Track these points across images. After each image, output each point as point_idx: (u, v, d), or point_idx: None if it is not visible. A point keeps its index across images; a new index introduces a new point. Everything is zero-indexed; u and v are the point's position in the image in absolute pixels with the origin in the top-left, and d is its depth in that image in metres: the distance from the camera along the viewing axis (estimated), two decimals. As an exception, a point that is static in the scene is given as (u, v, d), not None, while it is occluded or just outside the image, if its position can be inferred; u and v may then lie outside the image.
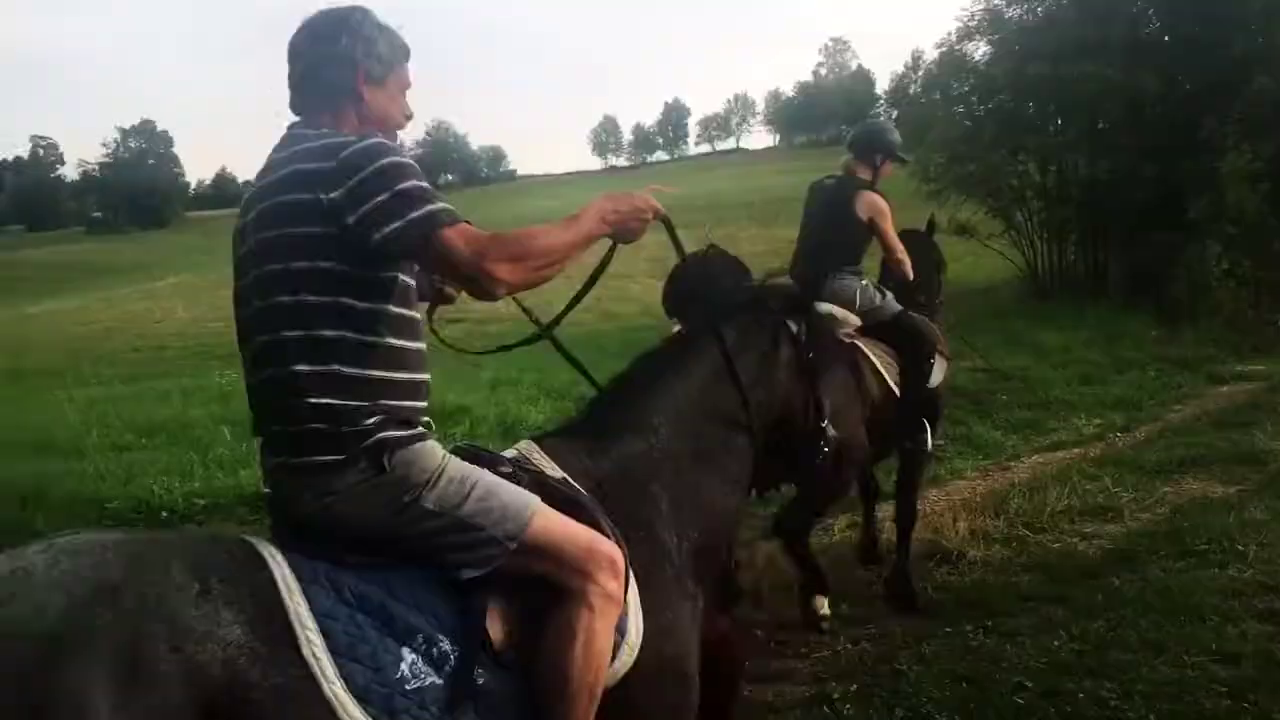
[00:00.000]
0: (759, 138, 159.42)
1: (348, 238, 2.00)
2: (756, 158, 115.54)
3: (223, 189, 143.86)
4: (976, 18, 16.32)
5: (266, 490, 2.18)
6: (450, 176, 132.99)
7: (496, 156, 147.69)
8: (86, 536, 1.86)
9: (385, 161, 2.01)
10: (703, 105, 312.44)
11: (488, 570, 2.09)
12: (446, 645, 2.02)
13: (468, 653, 2.03)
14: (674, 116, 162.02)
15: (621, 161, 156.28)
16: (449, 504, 2.08)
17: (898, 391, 5.07)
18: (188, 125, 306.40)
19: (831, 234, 5.31)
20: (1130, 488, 6.76)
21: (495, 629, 2.10)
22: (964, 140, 15.80)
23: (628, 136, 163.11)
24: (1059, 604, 4.88)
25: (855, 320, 4.60)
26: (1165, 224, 13.77)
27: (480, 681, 2.04)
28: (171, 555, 1.84)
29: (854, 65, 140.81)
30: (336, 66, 2.21)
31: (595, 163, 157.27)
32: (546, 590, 2.13)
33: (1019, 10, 16.15)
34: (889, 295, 5.33)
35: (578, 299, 2.65)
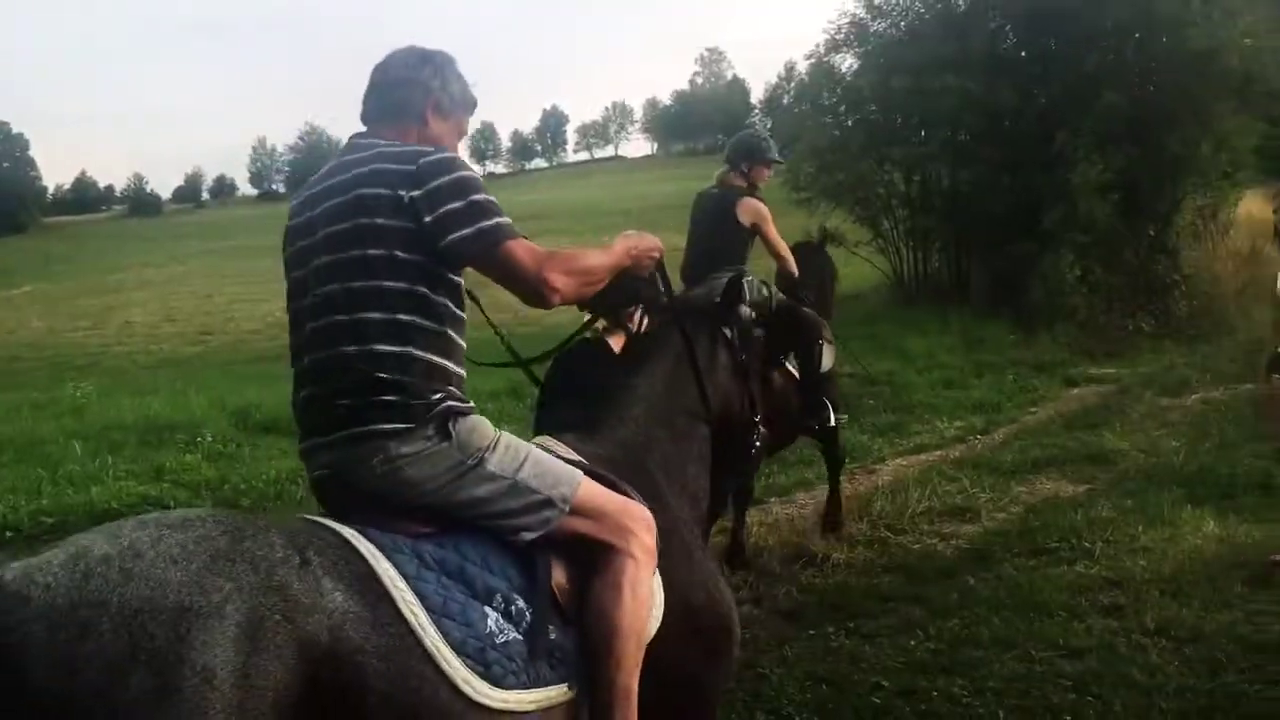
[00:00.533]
0: (637, 145, 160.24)
1: (422, 234, 2.23)
2: (634, 165, 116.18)
3: (82, 193, 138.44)
4: (843, 31, 16.64)
5: (322, 472, 2.29)
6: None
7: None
8: (178, 512, 1.92)
9: (462, 173, 2.31)
10: (581, 113, 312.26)
11: (545, 532, 2.28)
12: (521, 604, 2.19)
13: (540, 610, 2.21)
14: (552, 123, 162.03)
15: (500, 169, 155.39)
16: (508, 469, 2.27)
17: (797, 375, 5.61)
18: (46, 127, 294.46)
19: (717, 240, 5.74)
20: (987, 488, 6.97)
21: (559, 587, 2.29)
22: (832, 150, 16.07)
23: (506, 143, 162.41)
24: (917, 604, 5.01)
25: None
26: (1023, 233, 14.22)
27: (552, 636, 2.21)
28: (267, 528, 1.91)
29: (729, 75, 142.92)
30: (412, 89, 2.50)
31: (473, 169, 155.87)
32: (593, 549, 2.32)
33: (883, 24, 16.50)
34: (774, 289, 5.75)
35: (584, 329, 3.03)
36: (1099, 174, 13.38)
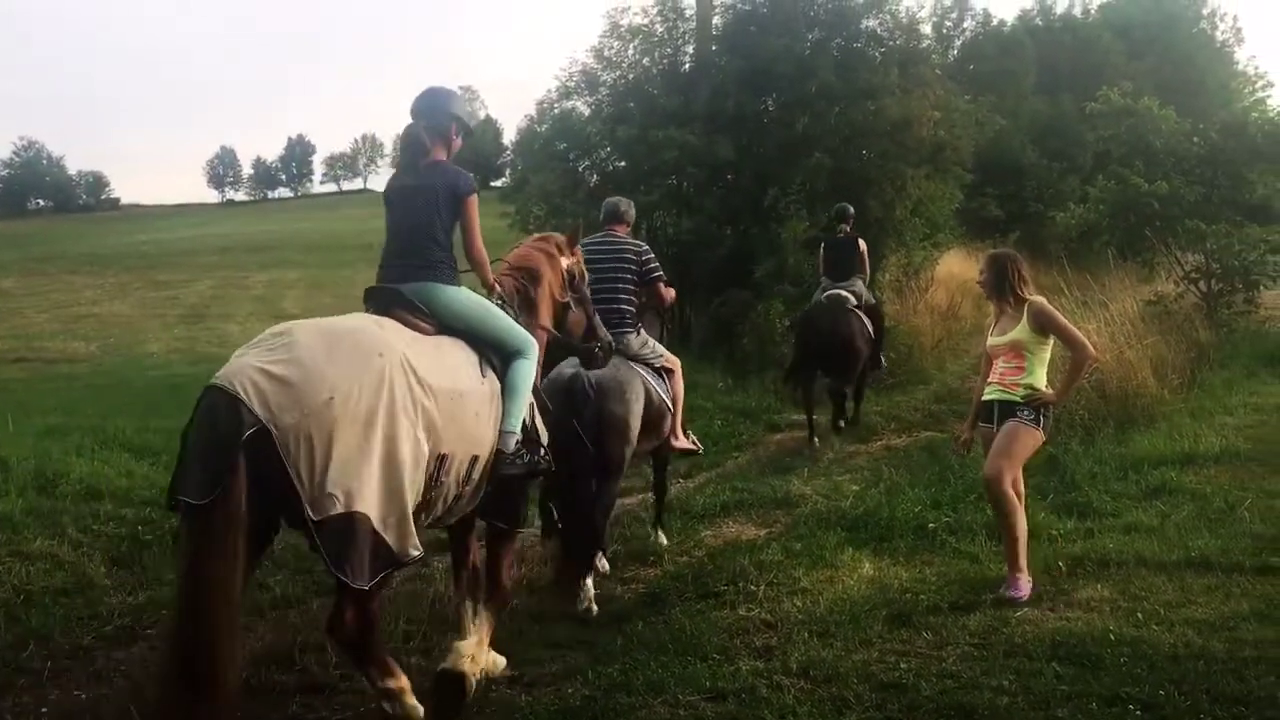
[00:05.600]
0: (387, 179, 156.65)
1: (642, 271, 6.75)
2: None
3: None
4: (574, 79, 16.97)
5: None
6: (42, 202, 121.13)
7: (98, 183, 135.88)
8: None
9: (652, 251, 6.99)
10: (329, 143, 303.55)
11: (661, 364, 6.72)
12: (666, 385, 6.72)
13: (666, 388, 6.74)
14: (298, 152, 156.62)
15: (241, 196, 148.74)
16: (652, 344, 6.75)
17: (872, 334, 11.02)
18: None
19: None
20: (676, 532, 7.15)
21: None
22: (561, 193, 16.30)
23: (248, 170, 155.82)
24: (585, 650, 5.06)
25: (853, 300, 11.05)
26: (739, 282, 14.84)
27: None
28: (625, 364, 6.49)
29: (482, 114, 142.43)
30: (626, 211, 6.97)
31: (211, 195, 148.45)
32: (670, 371, 6.84)
33: (613, 75, 16.92)
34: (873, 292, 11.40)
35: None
36: (805, 230, 14.11)
